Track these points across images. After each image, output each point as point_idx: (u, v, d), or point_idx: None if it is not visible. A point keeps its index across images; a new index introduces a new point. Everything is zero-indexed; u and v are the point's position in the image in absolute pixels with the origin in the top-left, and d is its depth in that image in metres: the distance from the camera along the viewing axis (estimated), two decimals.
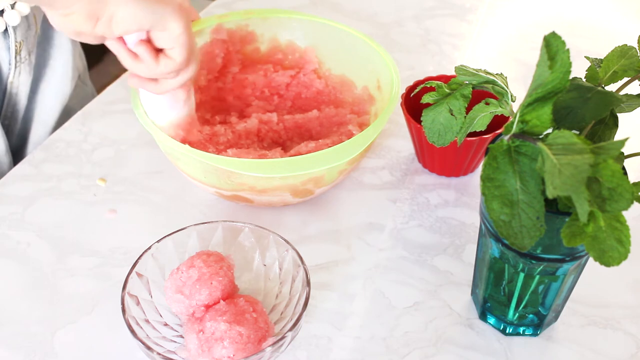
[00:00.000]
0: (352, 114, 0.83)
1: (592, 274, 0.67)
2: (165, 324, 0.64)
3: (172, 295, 0.63)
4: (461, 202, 0.80)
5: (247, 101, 0.86)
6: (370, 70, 0.83)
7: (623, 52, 0.60)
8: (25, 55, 0.83)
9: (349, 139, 0.72)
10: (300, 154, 0.76)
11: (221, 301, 0.64)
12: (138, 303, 0.63)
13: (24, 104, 0.87)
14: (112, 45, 0.63)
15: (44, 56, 0.89)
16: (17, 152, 0.92)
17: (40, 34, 0.87)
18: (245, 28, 0.86)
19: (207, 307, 0.63)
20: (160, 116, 0.72)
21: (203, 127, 0.80)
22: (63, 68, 0.91)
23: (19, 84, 0.84)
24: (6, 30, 0.79)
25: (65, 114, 0.94)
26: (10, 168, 0.88)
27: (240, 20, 0.85)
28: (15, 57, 0.81)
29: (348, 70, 0.86)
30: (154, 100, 0.71)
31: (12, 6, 0.79)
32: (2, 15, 0.78)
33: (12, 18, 0.78)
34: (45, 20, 0.88)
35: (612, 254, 0.50)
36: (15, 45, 0.80)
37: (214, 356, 0.60)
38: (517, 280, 0.62)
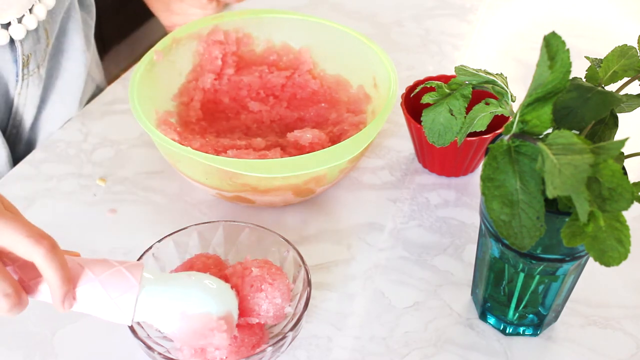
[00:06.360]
0: (349, 112, 0.83)
1: (592, 274, 0.67)
2: None
3: None
4: (461, 202, 0.80)
5: (242, 102, 0.86)
6: (366, 69, 0.82)
7: (623, 52, 0.60)
8: (34, 68, 0.82)
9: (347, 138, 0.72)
10: (297, 141, 0.76)
11: None
12: None
13: (33, 113, 0.87)
14: None
15: (57, 67, 0.89)
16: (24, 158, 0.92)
17: (53, 47, 0.87)
18: (241, 30, 0.86)
19: None
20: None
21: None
22: (75, 79, 0.91)
23: (27, 95, 0.84)
24: (13, 42, 0.79)
25: None
26: None
27: (235, 22, 0.85)
28: (23, 70, 0.81)
29: (343, 69, 0.86)
30: None
31: (19, 20, 0.78)
32: (7, 29, 0.77)
33: (18, 32, 0.77)
34: (59, 33, 0.87)
35: (612, 254, 0.50)
36: (23, 59, 0.80)
37: (207, 357, 0.59)
38: (517, 280, 0.62)
